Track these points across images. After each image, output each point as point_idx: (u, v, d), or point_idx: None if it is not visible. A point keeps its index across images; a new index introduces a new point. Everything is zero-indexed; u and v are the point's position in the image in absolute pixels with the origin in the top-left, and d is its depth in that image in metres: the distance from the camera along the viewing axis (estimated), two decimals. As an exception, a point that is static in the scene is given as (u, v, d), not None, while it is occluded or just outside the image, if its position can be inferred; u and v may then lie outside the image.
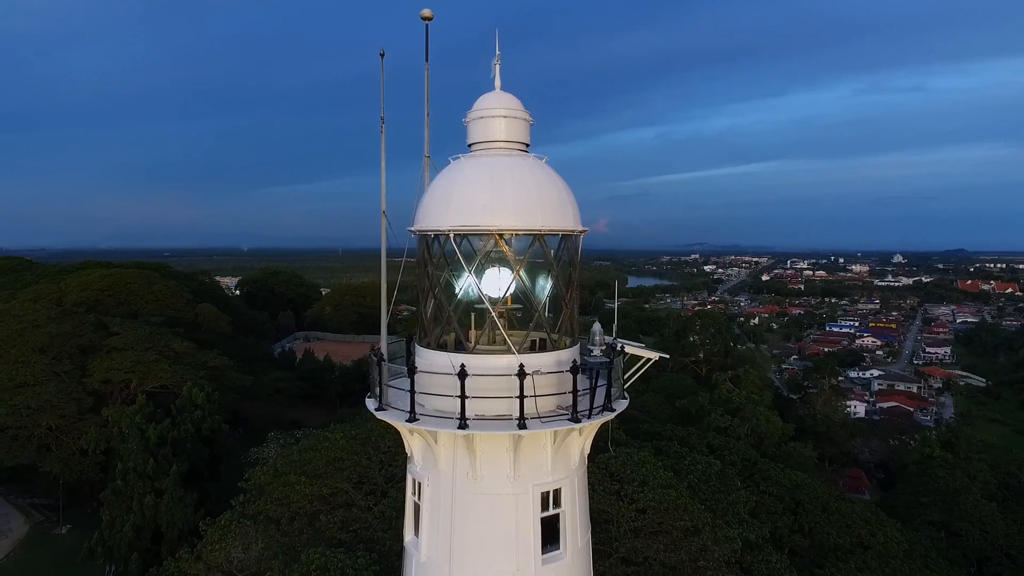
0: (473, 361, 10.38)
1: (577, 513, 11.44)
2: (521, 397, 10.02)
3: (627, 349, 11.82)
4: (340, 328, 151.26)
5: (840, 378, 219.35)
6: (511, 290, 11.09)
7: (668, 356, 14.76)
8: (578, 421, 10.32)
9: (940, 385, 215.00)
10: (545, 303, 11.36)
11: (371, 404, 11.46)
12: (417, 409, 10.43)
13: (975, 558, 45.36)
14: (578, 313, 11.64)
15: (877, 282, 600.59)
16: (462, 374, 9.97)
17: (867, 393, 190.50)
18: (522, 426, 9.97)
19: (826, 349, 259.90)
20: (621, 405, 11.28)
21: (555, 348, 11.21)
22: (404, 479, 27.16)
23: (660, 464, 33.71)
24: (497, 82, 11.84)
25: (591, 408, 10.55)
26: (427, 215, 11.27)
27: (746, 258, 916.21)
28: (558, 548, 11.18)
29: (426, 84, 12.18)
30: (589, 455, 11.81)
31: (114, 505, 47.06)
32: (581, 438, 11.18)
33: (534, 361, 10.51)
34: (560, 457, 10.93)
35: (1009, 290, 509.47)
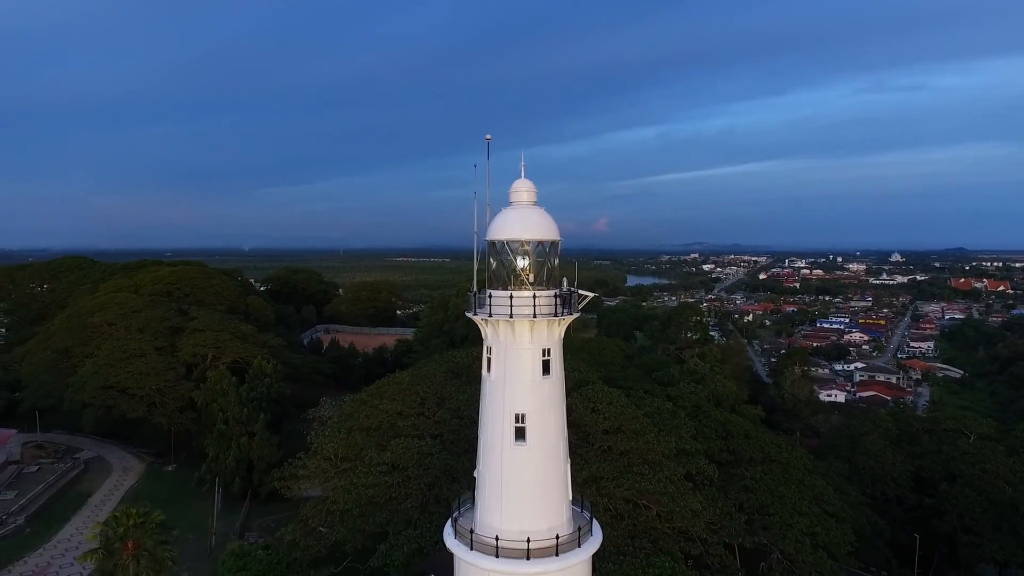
0: (514, 293, 25.85)
1: (558, 361, 26.94)
2: (534, 307, 25.55)
3: (580, 292, 27.38)
4: (357, 321, 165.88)
5: (825, 369, 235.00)
6: (528, 263, 26.71)
7: (598, 294, 30.19)
8: (557, 315, 25.91)
9: (919, 376, 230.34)
10: (544, 270, 26.88)
11: (469, 313, 27.00)
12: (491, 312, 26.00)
13: (869, 480, 60.83)
14: (558, 275, 27.18)
15: (872, 280, 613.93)
16: (511, 297, 25.53)
17: (848, 383, 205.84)
18: (535, 316, 25.51)
19: (814, 344, 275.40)
20: (576, 314, 26.83)
21: (548, 289, 26.72)
22: (453, 398, 43.72)
23: (624, 399, 49.20)
24: (523, 173, 27.38)
25: (562, 311, 26.13)
26: (494, 232, 26.79)
27: (745, 257, 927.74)
28: (549, 374, 26.71)
29: (487, 172, 27.51)
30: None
31: (218, 444, 62.50)
32: (559, 327, 26.70)
33: (539, 293, 25.99)
34: (550, 333, 26.42)
35: (1001, 288, 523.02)
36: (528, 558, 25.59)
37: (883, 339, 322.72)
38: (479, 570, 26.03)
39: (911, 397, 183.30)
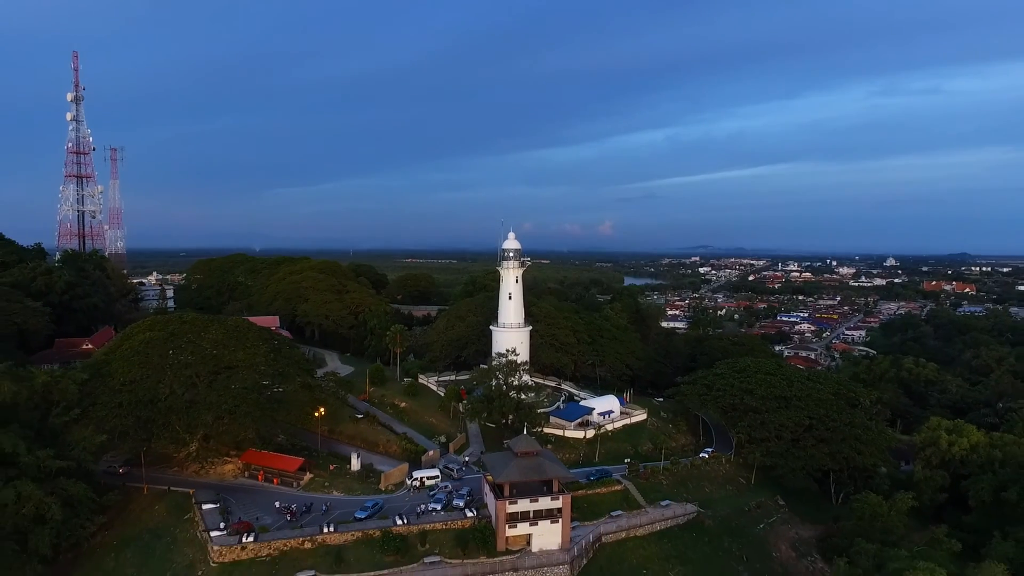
0: (509, 262, 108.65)
1: (521, 280, 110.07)
2: (513, 264, 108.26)
3: (529, 260, 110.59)
4: (403, 301, 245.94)
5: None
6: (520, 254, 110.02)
7: (538, 258, 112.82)
8: (523, 267, 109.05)
9: (837, 355, 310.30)
10: (519, 257, 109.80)
11: (498, 267, 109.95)
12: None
13: (673, 353, 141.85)
14: (522, 255, 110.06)
15: (852, 283, 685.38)
16: (507, 262, 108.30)
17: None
18: (512, 266, 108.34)
19: (764, 332, 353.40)
20: (527, 264, 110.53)
21: (518, 260, 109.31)
22: (485, 307, 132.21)
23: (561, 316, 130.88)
24: (511, 232, 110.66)
25: (521, 265, 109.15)
26: (502, 244, 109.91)
27: (744, 260, 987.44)
28: (518, 284, 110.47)
29: (501, 241, 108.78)
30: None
31: (377, 343, 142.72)
32: (522, 268, 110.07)
33: (515, 261, 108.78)
34: (517, 270, 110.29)
35: (967, 290, 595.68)
36: (512, 327, 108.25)
37: (830, 330, 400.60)
38: (498, 330, 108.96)
39: (821, 367, 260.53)
